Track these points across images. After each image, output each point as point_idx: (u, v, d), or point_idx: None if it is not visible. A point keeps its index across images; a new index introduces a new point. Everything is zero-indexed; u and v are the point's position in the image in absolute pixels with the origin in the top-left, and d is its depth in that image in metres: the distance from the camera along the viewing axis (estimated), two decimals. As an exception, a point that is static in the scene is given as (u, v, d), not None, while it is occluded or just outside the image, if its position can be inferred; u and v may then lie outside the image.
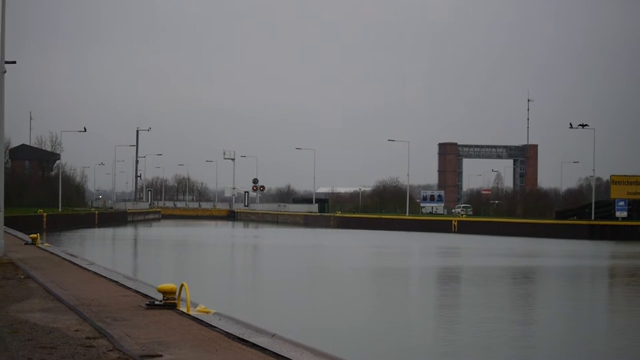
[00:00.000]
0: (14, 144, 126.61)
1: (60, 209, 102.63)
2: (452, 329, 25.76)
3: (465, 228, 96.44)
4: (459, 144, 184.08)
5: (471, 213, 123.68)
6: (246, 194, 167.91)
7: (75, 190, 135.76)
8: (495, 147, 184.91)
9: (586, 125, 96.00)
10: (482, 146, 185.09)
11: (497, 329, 25.51)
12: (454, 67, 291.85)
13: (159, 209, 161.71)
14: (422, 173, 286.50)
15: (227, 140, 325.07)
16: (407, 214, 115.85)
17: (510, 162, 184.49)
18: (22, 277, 22.28)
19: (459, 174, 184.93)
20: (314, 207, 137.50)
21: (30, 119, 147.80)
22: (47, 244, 38.62)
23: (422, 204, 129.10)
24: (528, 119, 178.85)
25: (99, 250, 61.34)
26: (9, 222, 52.38)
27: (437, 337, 24.36)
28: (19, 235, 45.52)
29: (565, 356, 22.12)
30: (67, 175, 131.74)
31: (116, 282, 21.32)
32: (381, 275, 43.99)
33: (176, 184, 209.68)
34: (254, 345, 12.34)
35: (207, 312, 15.55)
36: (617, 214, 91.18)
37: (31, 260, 27.93)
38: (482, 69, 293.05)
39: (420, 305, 32.25)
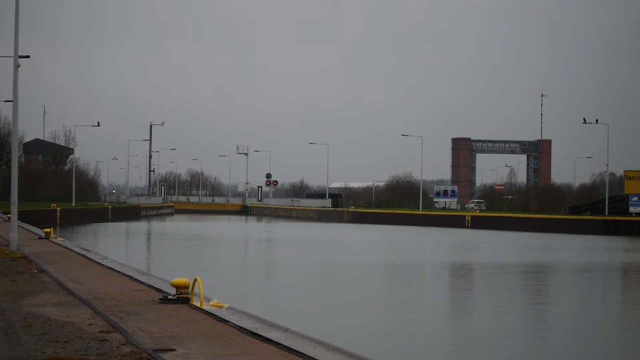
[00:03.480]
0: (28, 138, 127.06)
1: (73, 204, 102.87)
2: (465, 323, 25.69)
3: (479, 223, 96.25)
4: (472, 139, 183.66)
5: (484, 208, 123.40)
6: (259, 188, 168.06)
7: (88, 185, 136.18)
8: (508, 142, 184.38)
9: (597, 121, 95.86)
10: (495, 141, 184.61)
11: (511, 325, 25.45)
12: (467, 61, 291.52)
13: (172, 204, 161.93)
14: (436, 168, 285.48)
15: (240, 134, 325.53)
16: (421, 209, 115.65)
17: (524, 157, 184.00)
18: (35, 271, 22.32)
19: (472, 169, 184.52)
20: (328, 202, 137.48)
21: (44, 113, 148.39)
22: (60, 239, 38.71)
23: (435, 199, 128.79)
24: (541, 114, 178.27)
25: (113, 244, 61.46)
26: (23, 216, 52.51)
27: (450, 332, 24.29)
28: (32, 230, 45.63)
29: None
30: (81, 170, 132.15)
31: (129, 276, 21.33)
32: (394, 270, 43.94)
33: (189, 179, 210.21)
34: (267, 340, 12.33)
35: (221, 307, 15.54)
36: (631, 209, 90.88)
37: (45, 255, 27.98)
38: (495, 64, 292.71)
39: (434, 301, 32.19)
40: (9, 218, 35.40)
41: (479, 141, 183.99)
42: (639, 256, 57.16)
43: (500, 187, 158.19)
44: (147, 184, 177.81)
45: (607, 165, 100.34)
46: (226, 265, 45.20)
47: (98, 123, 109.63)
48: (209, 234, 79.12)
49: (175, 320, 14.02)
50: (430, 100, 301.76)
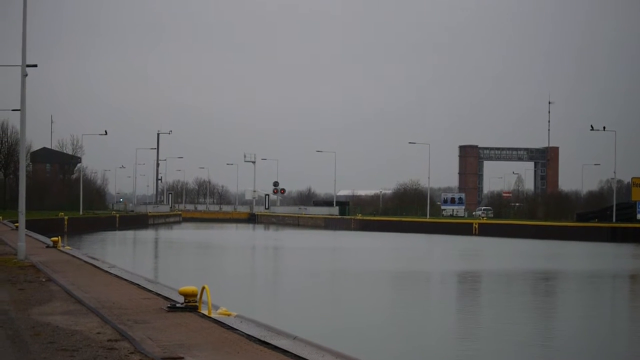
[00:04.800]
0: (35, 147, 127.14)
1: (81, 212, 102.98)
2: (471, 330, 25.65)
3: (486, 231, 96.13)
4: (479, 146, 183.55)
5: (492, 216, 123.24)
6: (267, 196, 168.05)
7: (96, 194, 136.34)
8: (516, 149, 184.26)
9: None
10: (502, 148, 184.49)
11: (516, 333, 25.40)
12: (474, 68, 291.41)
13: (179, 212, 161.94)
14: (443, 175, 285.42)
15: (246, 143, 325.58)
16: (428, 216, 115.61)
17: (531, 164, 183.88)
18: (43, 280, 22.33)
19: (479, 176, 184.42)
20: (335, 210, 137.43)
21: (52, 122, 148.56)
22: (68, 247, 38.71)
23: (442, 207, 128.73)
24: (549, 121, 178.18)
25: (120, 253, 61.47)
26: (31, 225, 52.55)
27: (456, 337, 24.26)
28: (40, 239, 45.62)
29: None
30: (88, 179, 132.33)
31: (137, 284, 21.32)
32: (401, 277, 43.89)
33: (197, 187, 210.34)
34: (275, 348, 12.31)
35: (229, 315, 15.52)
36: (639, 216, 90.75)
37: (52, 263, 27.99)
38: (502, 71, 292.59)
39: (440, 307, 32.13)
40: (17, 227, 35.42)
41: (486, 148, 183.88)
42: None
43: (507, 195, 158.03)
44: (155, 193, 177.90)
45: (614, 172, 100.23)
46: (234, 273, 45.17)
47: (105, 132, 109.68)
48: (216, 242, 79.11)
49: (184, 329, 14.01)
50: (435, 105, 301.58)
